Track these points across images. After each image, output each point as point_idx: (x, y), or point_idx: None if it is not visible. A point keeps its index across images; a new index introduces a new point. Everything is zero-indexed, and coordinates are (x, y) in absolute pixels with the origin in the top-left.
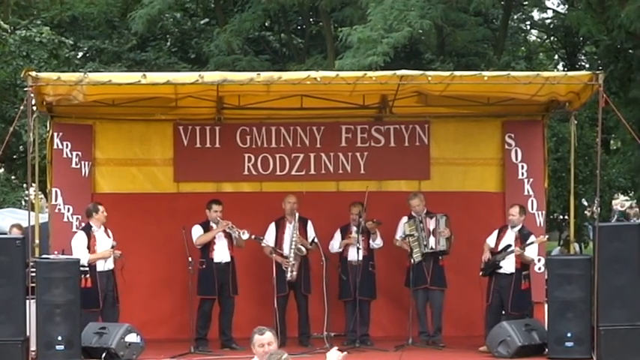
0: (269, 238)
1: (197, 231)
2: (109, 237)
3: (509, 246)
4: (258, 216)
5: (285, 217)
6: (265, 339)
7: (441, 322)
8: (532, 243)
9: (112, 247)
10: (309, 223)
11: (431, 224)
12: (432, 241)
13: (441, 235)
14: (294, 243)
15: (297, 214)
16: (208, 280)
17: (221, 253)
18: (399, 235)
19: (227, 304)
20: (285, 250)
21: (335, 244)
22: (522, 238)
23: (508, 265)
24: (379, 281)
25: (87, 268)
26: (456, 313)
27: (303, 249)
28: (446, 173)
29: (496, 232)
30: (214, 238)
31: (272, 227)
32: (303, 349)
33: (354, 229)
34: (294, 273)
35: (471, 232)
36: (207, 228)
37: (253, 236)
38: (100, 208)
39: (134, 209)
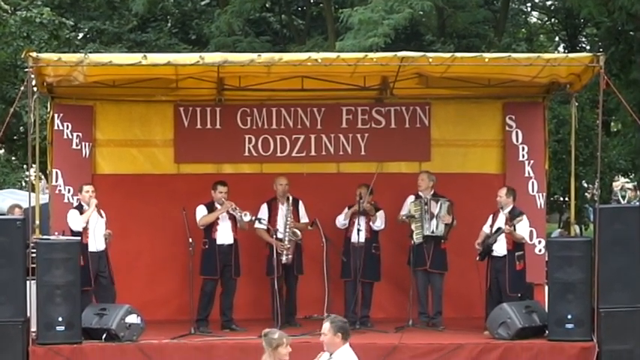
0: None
1: (201, 211)
2: (102, 217)
3: (499, 228)
4: (259, 197)
5: (277, 199)
6: (322, 329)
7: (441, 305)
8: (519, 220)
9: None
10: (301, 204)
11: (435, 208)
12: (433, 224)
13: (440, 221)
14: (288, 227)
15: (290, 197)
16: (211, 260)
17: (224, 235)
18: (403, 212)
19: (229, 286)
20: (279, 233)
21: (341, 217)
22: (512, 219)
23: (500, 248)
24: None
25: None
26: (455, 295)
27: (299, 233)
28: (446, 155)
29: (490, 218)
30: (218, 219)
31: (264, 208)
32: (301, 330)
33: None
34: (290, 256)
35: (471, 214)
36: (211, 209)
37: (254, 218)
38: (85, 187)
39: (134, 190)
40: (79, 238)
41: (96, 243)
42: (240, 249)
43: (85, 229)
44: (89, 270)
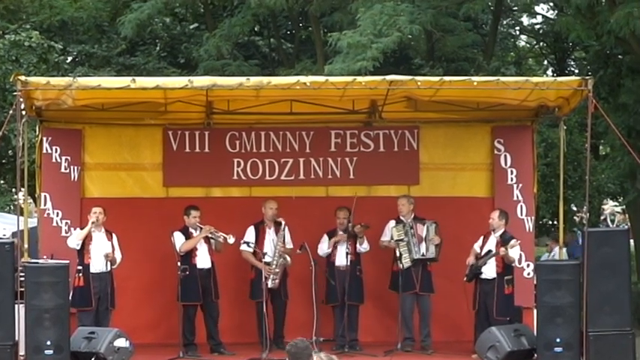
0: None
1: (180, 238)
2: (109, 240)
3: (490, 251)
4: (247, 221)
5: (264, 222)
6: None
7: (430, 326)
8: (513, 246)
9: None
10: (287, 229)
11: (422, 231)
12: (422, 247)
13: (430, 243)
14: (277, 252)
15: (282, 222)
16: (192, 286)
17: (203, 259)
18: (385, 237)
19: (211, 309)
20: (267, 257)
21: (324, 246)
22: (503, 243)
23: (489, 271)
24: (367, 286)
25: (80, 267)
26: (444, 318)
27: (289, 259)
28: (435, 178)
29: (482, 238)
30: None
31: (251, 231)
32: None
33: (341, 233)
34: (277, 280)
35: (459, 238)
36: (187, 234)
37: (241, 241)
38: (93, 209)
39: (123, 214)
40: (80, 258)
41: (98, 264)
42: (217, 272)
43: (86, 249)
44: (90, 291)
